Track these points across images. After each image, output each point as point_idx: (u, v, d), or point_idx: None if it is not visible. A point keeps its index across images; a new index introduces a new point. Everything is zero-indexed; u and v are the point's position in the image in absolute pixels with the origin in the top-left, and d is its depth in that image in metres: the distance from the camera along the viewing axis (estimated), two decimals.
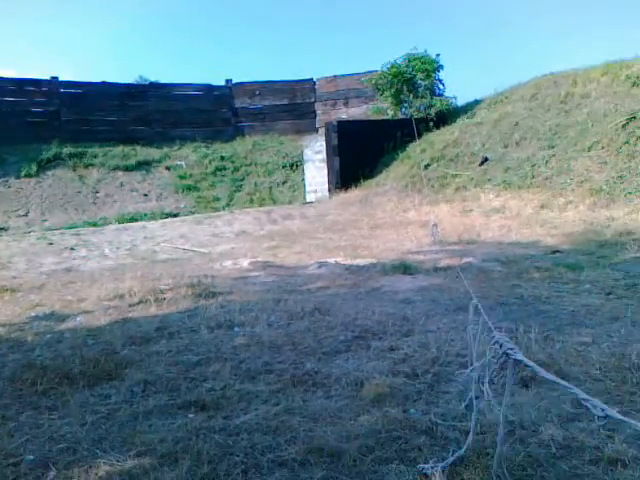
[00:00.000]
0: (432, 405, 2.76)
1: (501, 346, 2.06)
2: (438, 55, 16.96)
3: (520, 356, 1.97)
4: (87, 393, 3.31)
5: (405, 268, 6.26)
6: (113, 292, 5.99)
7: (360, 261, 7.26)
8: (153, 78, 21.56)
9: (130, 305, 5.42)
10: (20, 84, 18.19)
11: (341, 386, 3.12)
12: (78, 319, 5.10)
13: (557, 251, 6.88)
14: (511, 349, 2.02)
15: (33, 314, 5.45)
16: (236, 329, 4.32)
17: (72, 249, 9.88)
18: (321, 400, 2.98)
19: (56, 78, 18.77)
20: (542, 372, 1.82)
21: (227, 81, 21.00)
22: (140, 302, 5.50)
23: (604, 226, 8.35)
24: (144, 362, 3.73)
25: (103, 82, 19.50)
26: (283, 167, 18.46)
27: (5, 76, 18.35)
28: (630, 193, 9.73)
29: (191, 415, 2.94)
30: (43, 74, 19.41)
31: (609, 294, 4.78)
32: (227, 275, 6.84)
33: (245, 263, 7.67)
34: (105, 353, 3.93)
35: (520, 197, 11.11)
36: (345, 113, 20.28)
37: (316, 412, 2.83)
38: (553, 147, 12.32)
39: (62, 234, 11.72)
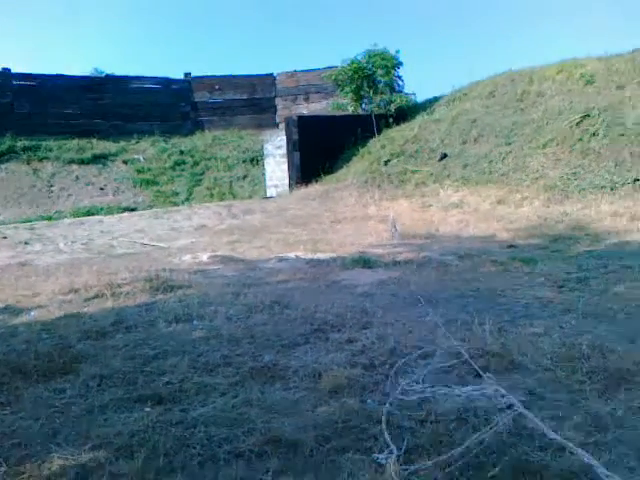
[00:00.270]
0: (388, 396, 2.80)
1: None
2: (398, 52, 17.09)
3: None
4: (41, 387, 3.24)
5: (365, 262, 6.31)
6: (68, 286, 5.86)
7: (320, 255, 7.28)
8: (109, 71, 21.14)
9: (86, 299, 5.32)
10: None
11: (299, 378, 3.13)
12: (32, 313, 4.98)
13: (512, 245, 7.03)
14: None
15: None
16: (195, 322, 4.29)
17: (26, 243, 9.62)
18: (279, 392, 2.99)
19: (8, 69, 18.21)
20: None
21: (186, 75, 20.74)
22: (96, 296, 5.40)
23: (558, 221, 8.59)
24: (100, 356, 3.67)
25: (58, 74, 19.02)
26: (243, 162, 18.34)
27: None
28: (583, 189, 10.02)
29: (148, 409, 2.90)
30: None
31: (562, 287, 4.92)
32: (186, 269, 6.77)
33: (204, 257, 7.61)
34: (60, 347, 3.85)
35: (478, 193, 11.31)
36: (306, 108, 20.27)
37: (274, 404, 2.83)
38: (510, 144, 12.57)
39: (16, 228, 11.41)
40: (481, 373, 2.88)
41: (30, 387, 3.25)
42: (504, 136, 12.94)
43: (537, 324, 3.77)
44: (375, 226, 9.51)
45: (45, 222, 12.58)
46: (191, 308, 4.66)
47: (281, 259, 7.21)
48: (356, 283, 5.45)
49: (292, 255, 7.46)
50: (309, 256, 7.26)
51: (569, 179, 10.53)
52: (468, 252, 6.68)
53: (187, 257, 7.69)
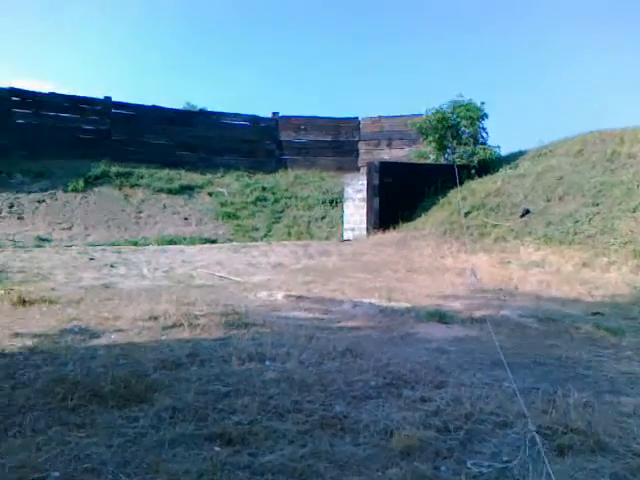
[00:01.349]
0: (463, 465, 2.68)
1: None
2: (483, 103, 17.06)
3: None
4: (116, 414, 3.31)
5: (440, 316, 6.18)
6: (148, 313, 6.05)
7: (395, 304, 7.20)
8: (200, 105, 22.20)
9: (164, 328, 5.47)
10: (74, 102, 18.90)
11: (370, 433, 3.06)
12: (112, 337, 5.16)
13: (598, 313, 6.70)
14: None
15: (68, 327, 5.54)
16: (267, 363, 4.31)
17: (112, 266, 10.05)
18: (349, 446, 2.93)
19: (109, 98, 19.42)
20: None
21: (274, 114, 21.42)
22: (174, 325, 5.54)
23: None
24: (173, 388, 3.74)
25: (154, 106, 20.11)
26: (323, 202, 18.61)
27: (61, 93, 19.05)
28: None
29: (217, 448, 2.91)
30: (94, 93, 20.25)
31: None
32: (261, 306, 6.85)
33: (279, 295, 7.68)
34: (136, 375, 3.95)
35: (561, 253, 10.92)
36: (387, 154, 20.43)
37: (343, 459, 2.78)
38: (597, 205, 12.12)
39: (103, 250, 11.97)
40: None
41: (105, 412, 3.34)
42: (591, 196, 12.51)
43: (625, 402, 3.55)
44: (452, 279, 9.33)
45: (131, 247, 13.14)
46: (264, 348, 4.69)
47: (355, 304, 7.17)
48: (431, 338, 5.34)
49: (366, 301, 7.41)
50: (383, 304, 7.19)
51: None
52: (549, 315, 6.42)
53: (263, 294, 7.79)
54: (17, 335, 5.19)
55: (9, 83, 18.58)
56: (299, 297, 7.72)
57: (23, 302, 6.63)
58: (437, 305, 7.14)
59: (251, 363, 4.30)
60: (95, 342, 4.99)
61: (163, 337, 5.14)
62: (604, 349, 5.06)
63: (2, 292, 7.26)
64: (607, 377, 4.17)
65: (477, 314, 6.40)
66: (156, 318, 5.84)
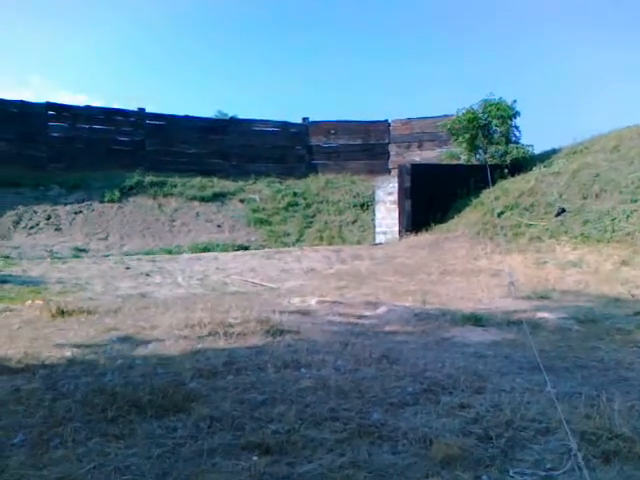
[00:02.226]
0: (506, 474, 2.63)
1: None
2: (515, 101, 16.81)
3: None
4: (154, 424, 3.34)
5: (476, 319, 6.09)
6: (184, 321, 6.11)
7: (429, 308, 7.13)
8: (231, 112, 22.40)
9: (200, 336, 5.51)
10: (109, 114, 19.29)
11: (409, 442, 3.02)
12: (150, 346, 5.22)
13: (639, 313, 6.53)
14: None
15: (107, 337, 5.63)
16: (303, 370, 4.30)
17: (147, 275, 10.20)
18: (388, 455, 2.90)
19: (143, 109, 19.75)
20: None
21: (304, 119, 21.47)
22: (209, 334, 5.58)
23: None
24: (211, 397, 3.76)
25: (186, 116, 20.36)
26: (354, 206, 18.58)
27: (95, 105, 19.48)
28: None
29: (255, 458, 2.91)
30: (128, 104, 20.63)
31: None
32: (295, 312, 6.86)
33: (313, 301, 7.68)
34: (174, 384, 3.99)
35: (599, 252, 10.68)
36: (418, 156, 20.29)
37: (383, 468, 2.75)
38: (636, 202, 11.83)
39: (139, 259, 12.15)
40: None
41: (144, 422, 3.37)
42: (629, 192, 12.21)
43: None
44: (487, 281, 9.20)
45: (166, 256, 13.30)
46: (299, 354, 4.69)
47: (389, 309, 7.13)
48: (467, 342, 5.26)
49: (400, 305, 7.36)
50: (418, 308, 7.12)
51: None
52: (589, 317, 6.27)
53: (296, 300, 7.80)
54: (57, 346, 5.29)
55: (45, 97, 19.08)
56: (333, 302, 7.71)
57: (62, 313, 6.75)
58: (472, 308, 7.05)
59: (287, 370, 4.30)
60: (133, 352, 5.05)
61: (199, 346, 5.18)
62: None
63: (42, 303, 7.41)
64: None
65: (514, 317, 6.29)
66: (192, 327, 5.89)
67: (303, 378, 4.11)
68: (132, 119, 19.45)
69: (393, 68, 49.93)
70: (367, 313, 7.01)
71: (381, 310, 7.17)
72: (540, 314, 6.46)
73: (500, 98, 16.80)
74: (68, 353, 5.04)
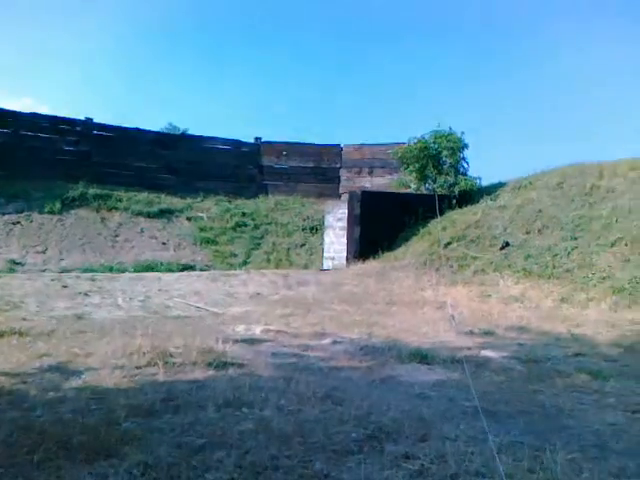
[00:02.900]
0: None
1: None
2: (463, 133, 17.19)
3: None
4: (84, 470, 3.13)
5: (422, 357, 6.08)
6: (121, 349, 5.86)
7: (375, 341, 7.10)
8: (183, 126, 22.05)
9: (137, 367, 5.29)
10: (55, 122, 18.68)
11: None
12: (83, 376, 4.98)
13: (579, 354, 6.66)
14: None
15: (38, 364, 5.35)
16: (244, 410, 4.15)
17: (86, 294, 9.81)
18: None
19: (91, 119, 19.25)
20: None
21: (256, 139, 21.38)
22: (148, 364, 5.37)
23: (626, 329, 8.13)
24: (146, 439, 3.56)
25: (135, 128, 19.94)
26: (303, 229, 18.52)
27: (40, 112, 18.83)
28: None
29: None
30: (75, 113, 20.09)
31: (635, 412, 4.56)
32: (239, 342, 6.69)
33: (258, 330, 7.53)
34: (107, 423, 3.78)
35: (540, 287, 10.95)
36: (369, 182, 20.46)
37: None
38: (576, 239, 12.23)
39: (77, 277, 11.69)
40: None
41: (73, 468, 3.15)
42: (570, 230, 12.63)
43: (612, 460, 3.45)
44: (432, 313, 9.27)
45: (106, 274, 12.83)
46: (242, 391, 4.54)
47: (334, 341, 7.06)
48: (412, 381, 5.23)
49: (346, 337, 7.30)
50: (363, 340, 7.08)
51: (638, 283, 10.07)
52: (531, 357, 6.36)
53: (240, 328, 7.63)
54: None
55: None
56: (278, 331, 7.58)
57: None
58: (418, 342, 7.07)
59: (228, 409, 4.14)
60: (65, 383, 4.79)
61: (137, 377, 4.96)
62: (587, 395, 4.99)
63: None
64: (592, 429, 4.08)
65: (458, 354, 6.30)
66: (130, 355, 5.65)
67: (245, 419, 3.96)
68: (79, 129, 18.87)
69: (347, 93, 50.62)
70: (312, 344, 6.92)
71: (326, 342, 7.09)
72: (484, 352, 6.51)
73: (450, 129, 17.16)
74: None
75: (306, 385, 4.81)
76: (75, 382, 4.81)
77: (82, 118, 19.15)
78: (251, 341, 6.86)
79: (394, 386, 5.08)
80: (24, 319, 7.69)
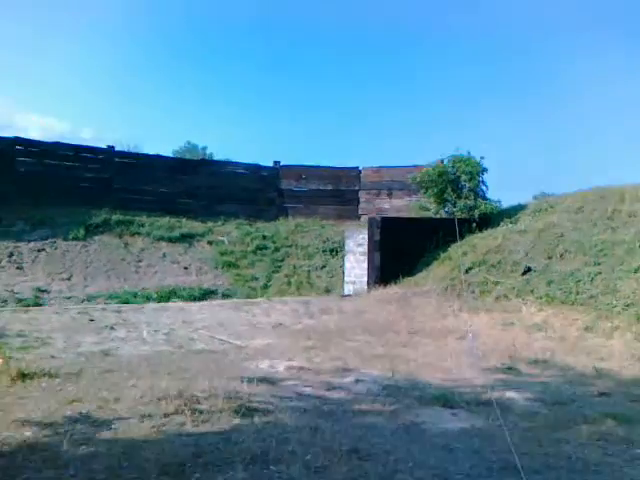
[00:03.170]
0: None
1: None
2: (482, 158, 17.24)
3: None
4: None
5: (445, 400, 6.10)
6: (149, 393, 5.97)
7: (398, 378, 7.15)
8: (201, 144, 22.36)
9: (165, 415, 5.37)
10: (78, 151, 19.04)
11: None
12: (113, 427, 5.07)
13: (604, 393, 6.63)
14: None
15: (69, 412, 5.44)
16: (272, 467, 4.21)
17: (112, 328, 9.96)
18: None
19: (112, 147, 19.64)
20: None
21: (275, 162, 21.61)
22: (175, 412, 5.44)
23: None
24: None
25: (156, 155, 20.34)
26: (323, 251, 18.63)
27: (65, 142, 19.19)
28: None
29: None
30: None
31: None
32: (263, 381, 6.77)
33: (281, 367, 7.63)
34: None
35: (563, 315, 10.90)
36: (388, 203, 20.54)
37: None
38: (599, 264, 12.13)
39: (103, 310, 11.87)
40: None
41: None
42: (593, 255, 12.52)
43: None
44: (454, 344, 9.29)
45: (131, 305, 12.98)
46: (268, 444, 4.60)
47: (357, 379, 7.12)
48: (437, 430, 5.25)
49: (368, 374, 7.37)
50: (386, 378, 7.12)
51: None
52: (555, 398, 6.35)
53: (264, 365, 7.73)
54: (16, 422, 5.10)
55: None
56: (301, 368, 7.67)
57: (23, 376, 6.56)
58: (441, 379, 7.11)
59: (255, 467, 4.20)
60: (96, 434, 4.89)
61: (165, 427, 5.05)
62: (614, 445, 4.96)
63: (1, 361, 7.16)
64: None
65: (482, 396, 6.31)
66: (157, 400, 5.75)
67: (272, 479, 4.02)
68: (101, 157, 19.25)
69: (365, 116, 50.97)
70: (336, 382, 6.99)
71: (349, 380, 7.16)
72: (508, 393, 6.51)
73: (468, 153, 17.20)
74: (28, 433, 4.86)
75: (332, 436, 4.86)
76: (106, 433, 4.90)
77: (104, 146, 19.56)
78: (275, 381, 6.93)
79: (418, 435, 5.09)
80: (52, 357, 7.85)
